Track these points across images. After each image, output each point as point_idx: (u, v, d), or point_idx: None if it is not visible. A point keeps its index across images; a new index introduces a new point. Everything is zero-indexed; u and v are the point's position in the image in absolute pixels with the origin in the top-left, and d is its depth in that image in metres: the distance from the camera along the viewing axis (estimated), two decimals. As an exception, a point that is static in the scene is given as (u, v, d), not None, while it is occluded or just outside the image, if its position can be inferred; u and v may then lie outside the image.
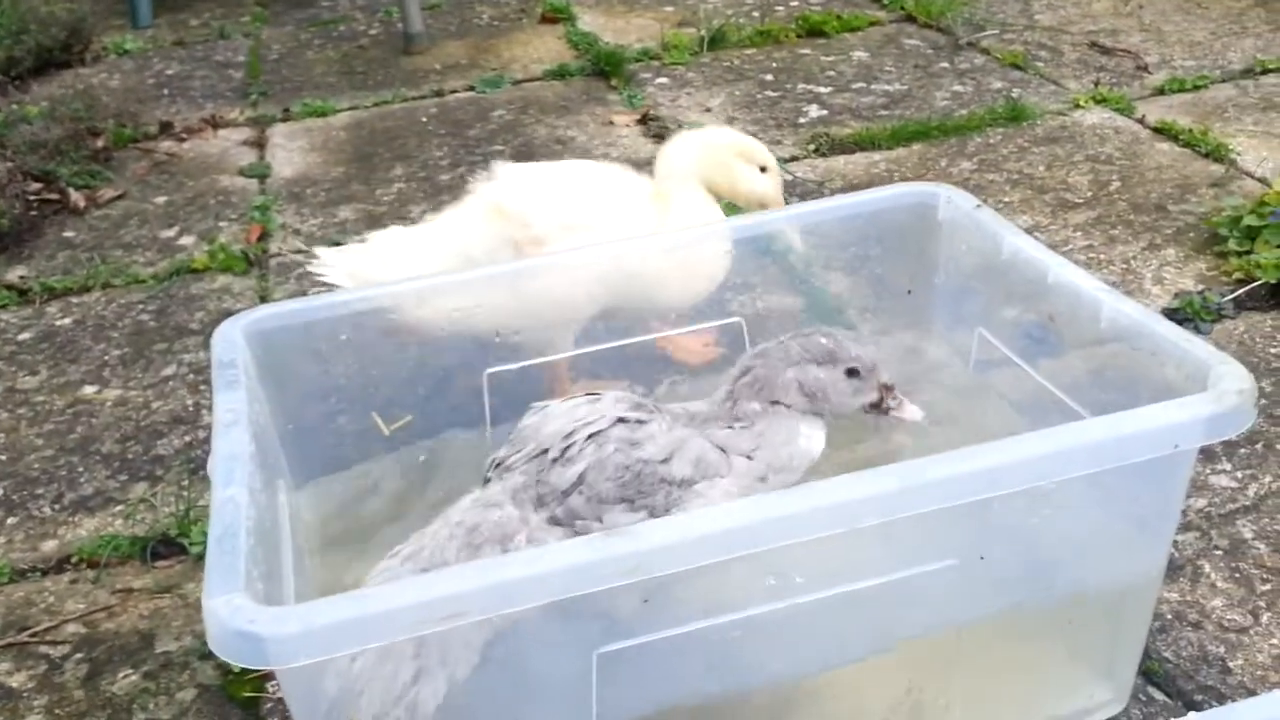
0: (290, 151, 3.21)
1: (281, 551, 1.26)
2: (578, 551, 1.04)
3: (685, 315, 1.71)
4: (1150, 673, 1.45)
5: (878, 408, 1.34)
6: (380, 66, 3.77)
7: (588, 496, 1.22)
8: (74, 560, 1.82)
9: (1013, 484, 1.12)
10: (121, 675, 1.60)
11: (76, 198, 3.00)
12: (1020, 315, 1.50)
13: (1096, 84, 3.09)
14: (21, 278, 2.66)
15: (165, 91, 3.70)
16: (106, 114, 3.40)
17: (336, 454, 1.61)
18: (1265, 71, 3.10)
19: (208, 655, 1.62)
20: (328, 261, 1.83)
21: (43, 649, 1.66)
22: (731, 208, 1.89)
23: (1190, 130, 2.77)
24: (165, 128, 3.41)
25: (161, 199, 3.01)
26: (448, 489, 1.60)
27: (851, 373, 1.31)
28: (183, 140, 3.35)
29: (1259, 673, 1.45)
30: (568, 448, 1.26)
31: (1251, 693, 1.42)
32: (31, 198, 2.98)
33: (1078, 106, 2.99)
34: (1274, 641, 1.48)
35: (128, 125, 3.38)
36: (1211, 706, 1.40)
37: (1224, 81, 3.08)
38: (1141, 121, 2.89)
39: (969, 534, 1.18)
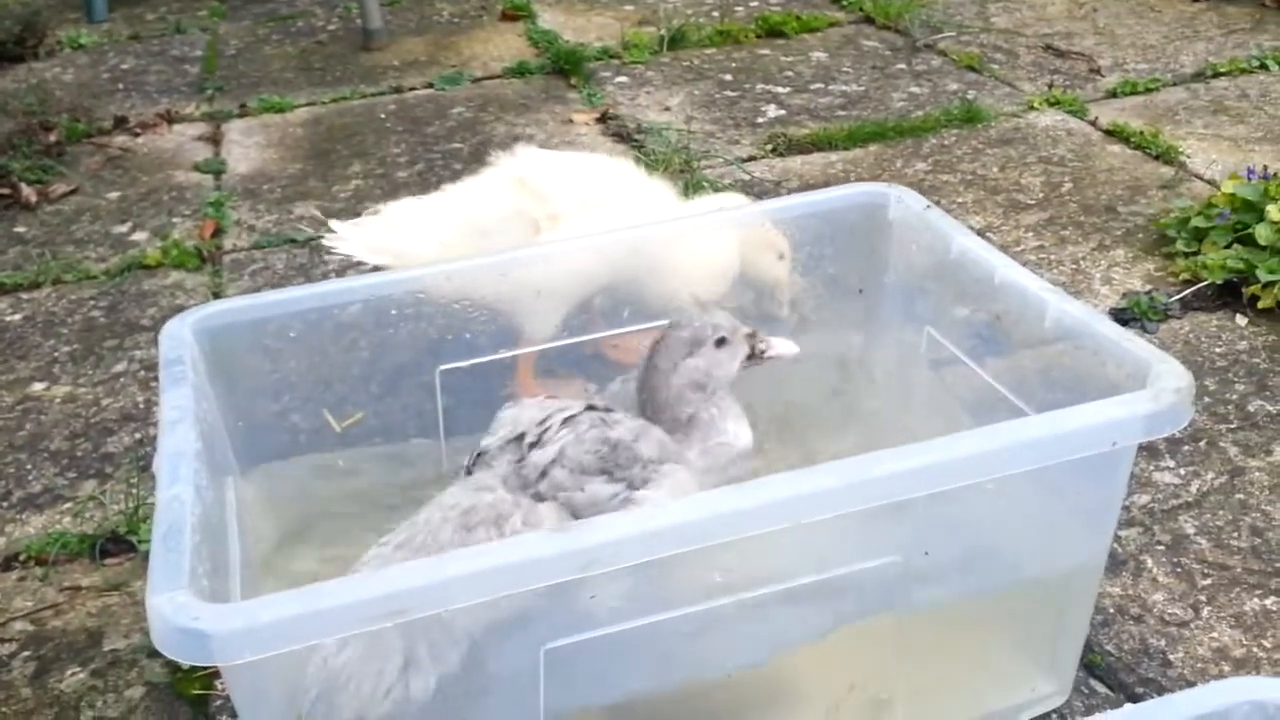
0: (246, 148, 3.18)
1: (228, 548, 1.26)
2: (526, 547, 1.05)
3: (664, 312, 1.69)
4: (1092, 665, 1.48)
5: (753, 357, 1.43)
6: (339, 63, 3.75)
7: (569, 469, 1.28)
8: (21, 558, 1.80)
9: (955, 480, 1.14)
10: (69, 673, 1.59)
11: (28, 193, 2.96)
12: (969, 315, 1.52)
13: (1050, 86, 3.13)
14: (-30, 273, 2.62)
15: (120, 86, 3.66)
16: (60, 108, 3.36)
17: (288, 450, 1.60)
18: (1216, 75, 3.15)
19: (156, 653, 1.57)
20: (343, 234, 1.84)
21: (-12, 648, 1.64)
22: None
23: (1141, 133, 2.82)
24: (120, 123, 3.37)
25: (114, 194, 2.98)
26: (403, 479, 1.62)
27: (720, 342, 1.41)
28: (137, 135, 3.32)
29: (1199, 665, 1.47)
30: (544, 432, 1.31)
31: (1191, 685, 1.44)
32: (-20, 192, 2.94)
33: (1032, 109, 3.03)
34: (1214, 635, 1.51)
35: (81, 120, 3.34)
36: (1151, 699, 1.42)
37: (1175, 85, 3.13)
38: (1094, 124, 2.93)
39: (913, 528, 1.20)
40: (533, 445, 1.28)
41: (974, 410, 1.53)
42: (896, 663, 1.30)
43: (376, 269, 1.79)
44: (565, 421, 1.32)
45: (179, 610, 0.99)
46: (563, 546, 1.05)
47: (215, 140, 3.25)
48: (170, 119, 3.39)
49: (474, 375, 1.62)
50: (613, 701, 1.20)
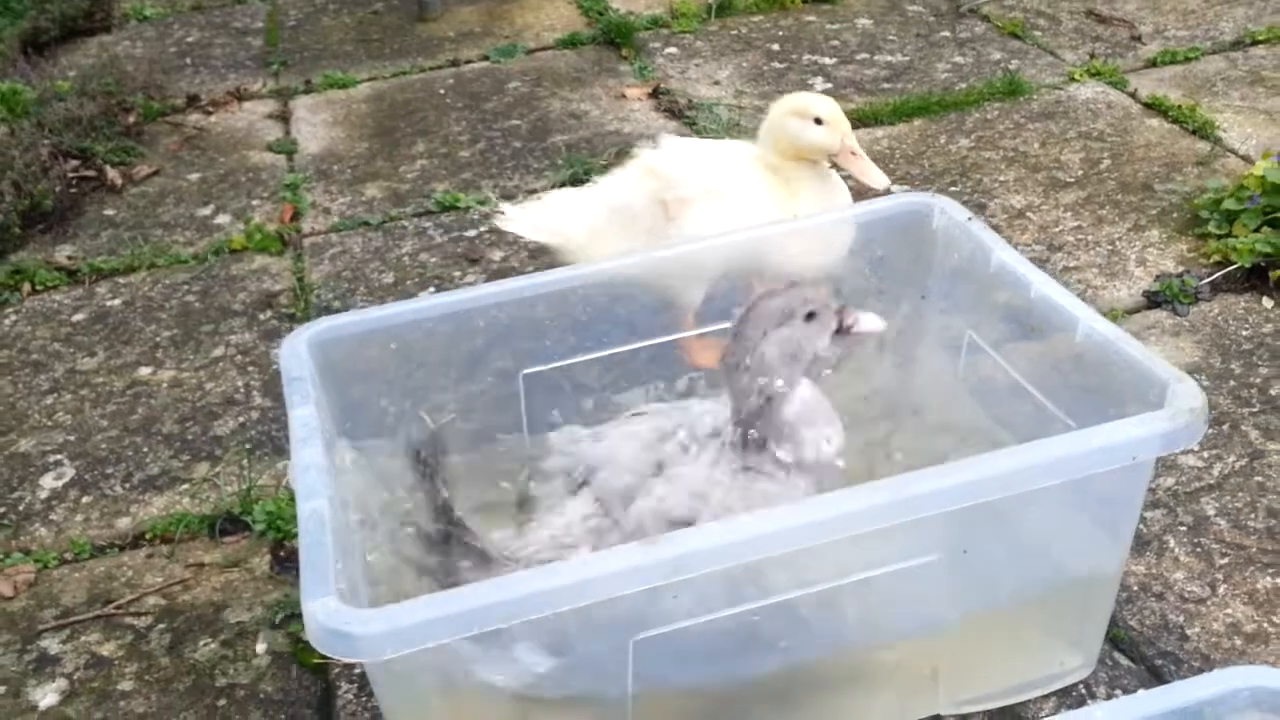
0: (315, 125, 3.34)
1: (353, 545, 1.45)
2: (621, 559, 1.22)
3: (703, 315, 1.86)
4: (1117, 640, 1.64)
5: (840, 331, 1.49)
6: (396, 35, 3.87)
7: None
8: (148, 537, 2.01)
9: (994, 494, 1.29)
10: (202, 644, 1.80)
11: (113, 175, 3.14)
12: (1007, 323, 1.66)
13: (1092, 56, 3.20)
14: (69, 258, 2.81)
15: (188, 61, 3.82)
16: (134, 86, 3.51)
17: (389, 444, 1.78)
18: (1255, 43, 3.21)
19: (278, 625, 1.81)
20: (511, 216, 2.12)
21: (128, 620, 1.85)
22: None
23: (1179, 106, 2.90)
24: (192, 100, 3.53)
25: (195, 175, 3.15)
26: (491, 470, 1.79)
27: (809, 316, 1.46)
28: (209, 114, 3.48)
29: (1213, 639, 1.63)
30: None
31: (1206, 658, 1.60)
32: (70, 175, 3.12)
33: (1072, 80, 3.11)
34: (1228, 611, 1.67)
35: (155, 98, 3.50)
36: (1171, 670, 1.59)
37: (1214, 53, 3.19)
38: (1134, 96, 3.01)
39: (957, 530, 1.36)
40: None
41: (1009, 410, 1.68)
42: (939, 642, 1.47)
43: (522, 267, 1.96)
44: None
45: (331, 615, 1.18)
46: (654, 556, 1.22)
47: (284, 118, 3.41)
48: (240, 96, 3.54)
49: (553, 377, 1.78)
50: (691, 682, 1.38)
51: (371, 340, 1.69)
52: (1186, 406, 1.33)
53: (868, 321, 1.51)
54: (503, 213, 2.13)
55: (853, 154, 1.96)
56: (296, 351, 1.60)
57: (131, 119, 3.36)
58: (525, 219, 2.12)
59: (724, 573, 1.26)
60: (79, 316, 2.60)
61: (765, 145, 2.00)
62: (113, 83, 3.45)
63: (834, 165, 2.00)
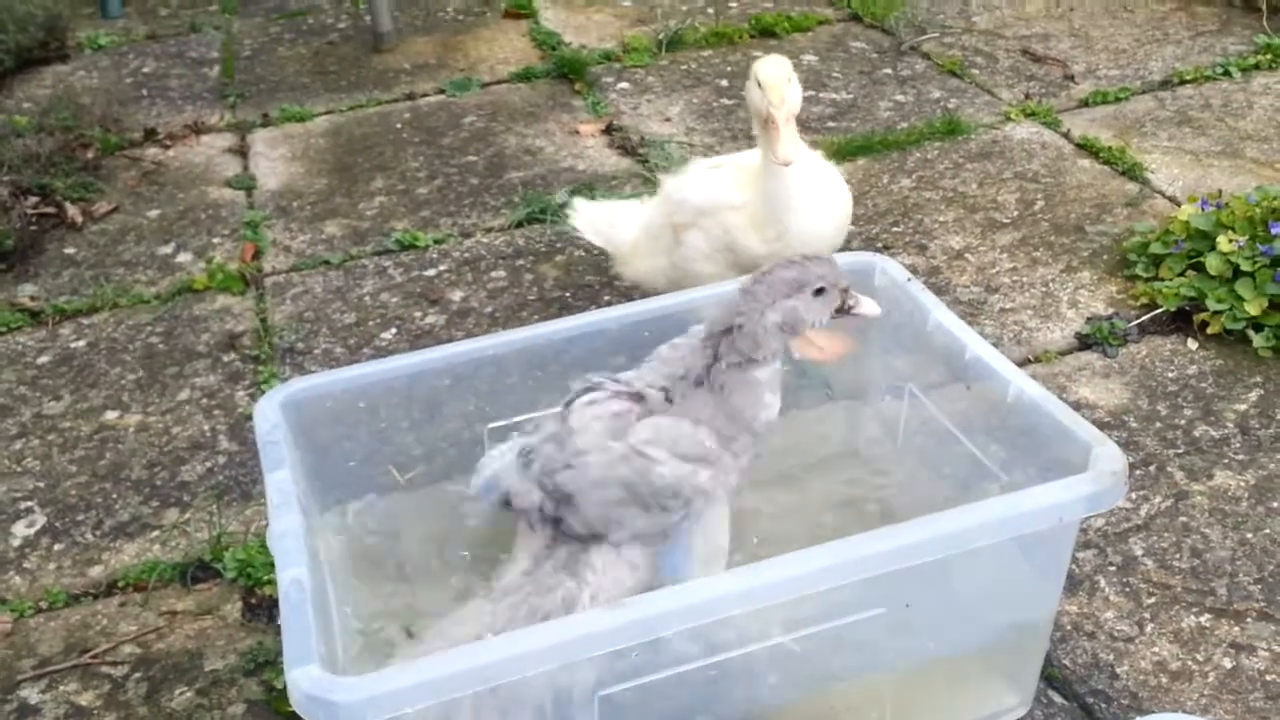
0: (273, 160, 3.38)
1: (330, 608, 1.52)
2: (586, 623, 1.31)
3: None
4: (1051, 678, 1.75)
5: (841, 310, 1.60)
6: (352, 66, 3.92)
7: (600, 511, 1.52)
8: (121, 584, 2.05)
9: (931, 555, 1.40)
10: (178, 692, 1.86)
11: (73, 212, 3.17)
12: (943, 380, 1.76)
13: (1027, 96, 3.34)
14: (32, 298, 2.84)
15: (144, 92, 3.84)
16: (92, 120, 3.54)
17: (360, 499, 1.85)
18: (1182, 82, 3.36)
19: (252, 672, 1.87)
20: (580, 210, 2.43)
21: (104, 669, 1.91)
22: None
23: (1109, 147, 3.03)
24: (150, 134, 3.56)
25: (154, 212, 3.18)
26: (459, 527, 1.87)
27: (818, 291, 1.57)
28: (167, 147, 3.51)
29: (1141, 677, 1.75)
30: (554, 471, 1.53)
31: (1134, 695, 1.72)
32: (30, 212, 3.14)
33: (1009, 119, 3.24)
34: (1155, 650, 1.79)
35: (113, 132, 3.52)
36: (1102, 708, 1.70)
37: (1144, 93, 3.34)
38: (1067, 136, 3.15)
39: (898, 586, 1.46)
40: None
41: (945, 457, 1.79)
42: (884, 684, 1.57)
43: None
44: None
45: (314, 684, 1.25)
46: (615, 621, 1.31)
47: (243, 152, 3.45)
48: (198, 129, 3.58)
49: (515, 430, 1.86)
50: (653, 731, 1.47)
51: (342, 399, 1.76)
52: (1109, 470, 1.44)
53: (868, 306, 1.63)
54: (574, 210, 2.41)
55: (771, 122, 2.01)
56: (269, 414, 1.67)
57: (90, 154, 3.39)
58: (587, 218, 2.40)
59: (682, 632, 1.35)
60: (43, 359, 2.64)
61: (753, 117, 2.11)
62: (70, 117, 3.47)
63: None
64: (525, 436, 1.66)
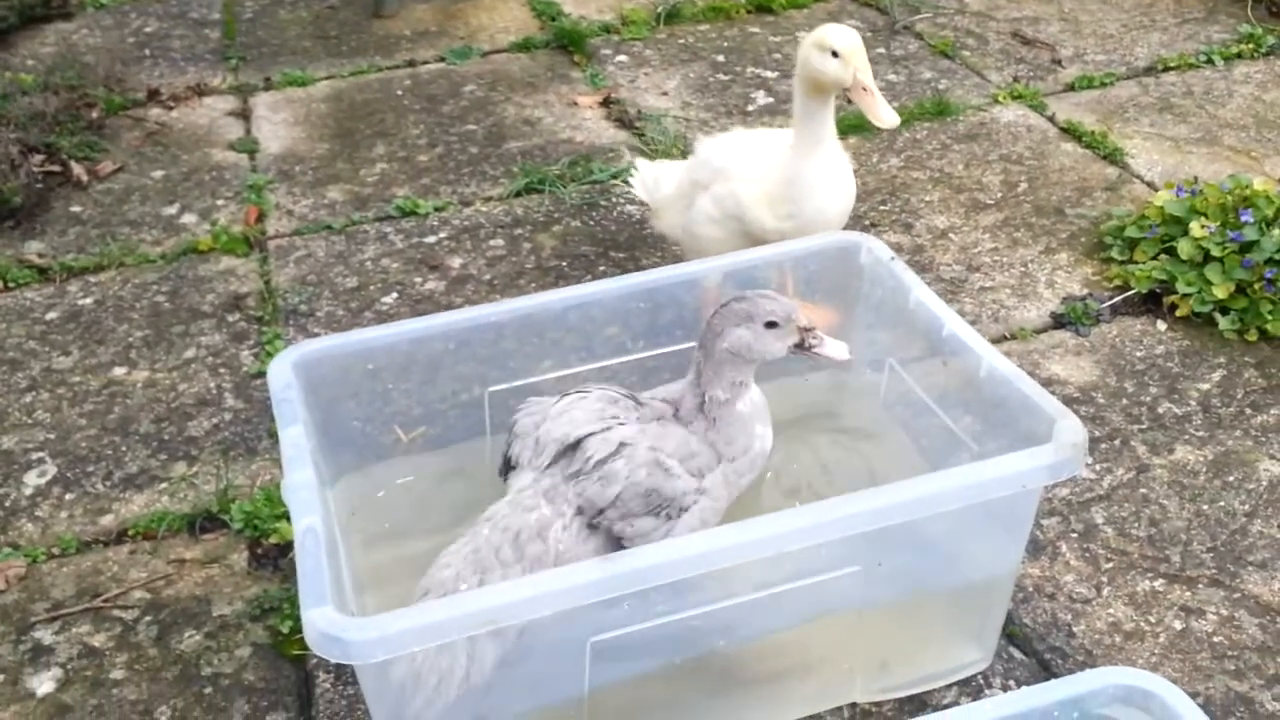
0: (275, 125, 3.45)
1: (339, 557, 1.61)
2: (582, 573, 1.41)
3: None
4: (1012, 636, 1.86)
5: (801, 348, 1.70)
6: (353, 31, 3.97)
7: (622, 512, 1.60)
8: (131, 533, 2.15)
9: (904, 516, 1.50)
10: (187, 635, 1.95)
11: (79, 170, 3.23)
12: (922, 355, 1.86)
13: (1015, 79, 3.42)
14: (40, 255, 2.91)
15: (147, 52, 3.89)
16: (96, 79, 3.59)
17: (368, 460, 1.94)
18: (1166, 69, 3.45)
19: (258, 618, 1.97)
20: (639, 170, 2.56)
21: (115, 612, 2.00)
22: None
23: (1092, 132, 3.12)
24: (153, 95, 3.61)
25: (158, 173, 3.25)
26: (459, 480, 1.96)
27: (770, 324, 1.68)
28: (170, 109, 3.57)
29: (1096, 636, 1.86)
30: (600, 463, 1.61)
31: (1090, 653, 1.83)
32: (36, 170, 3.20)
33: (996, 102, 3.32)
34: (1110, 611, 1.90)
35: (116, 92, 3.58)
36: (1059, 664, 1.81)
37: (1129, 78, 3.42)
38: (1052, 120, 3.23)
39: (873, 545, 1.56)
40: (590, 473, 1.61)
41: (922, 427, 1.89)
42: (854, 641, 1.68)
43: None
44: (619, 451, 1.62)
45: (329, 623, 1.35)
46: (608, 571, 1.41)
47: (245, 116, 3.51)
48: (201, 91, 3.64)
49: (515, 395, 1.96)
50: (641, 674, 1.57)
51: (350, 361, 1.85)
52: (1069, 441, 1.54)
53: (833, 349, 1.71)
54: (637, 169, 2.56)
55: (864, 90, 2.05)
56: (283, 373, 1.76)
57: (94, 114, 3.44)
58: (642, 175, 2.53)
59: (671, 584, 1.45)
60: (52, 315, 2.72)
61: (796, 82, 2.13)
62: (75, 76, 3.52)
63: (848, 100, 2.11)
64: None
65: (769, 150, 2.22)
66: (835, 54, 2.04)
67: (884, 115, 2.05)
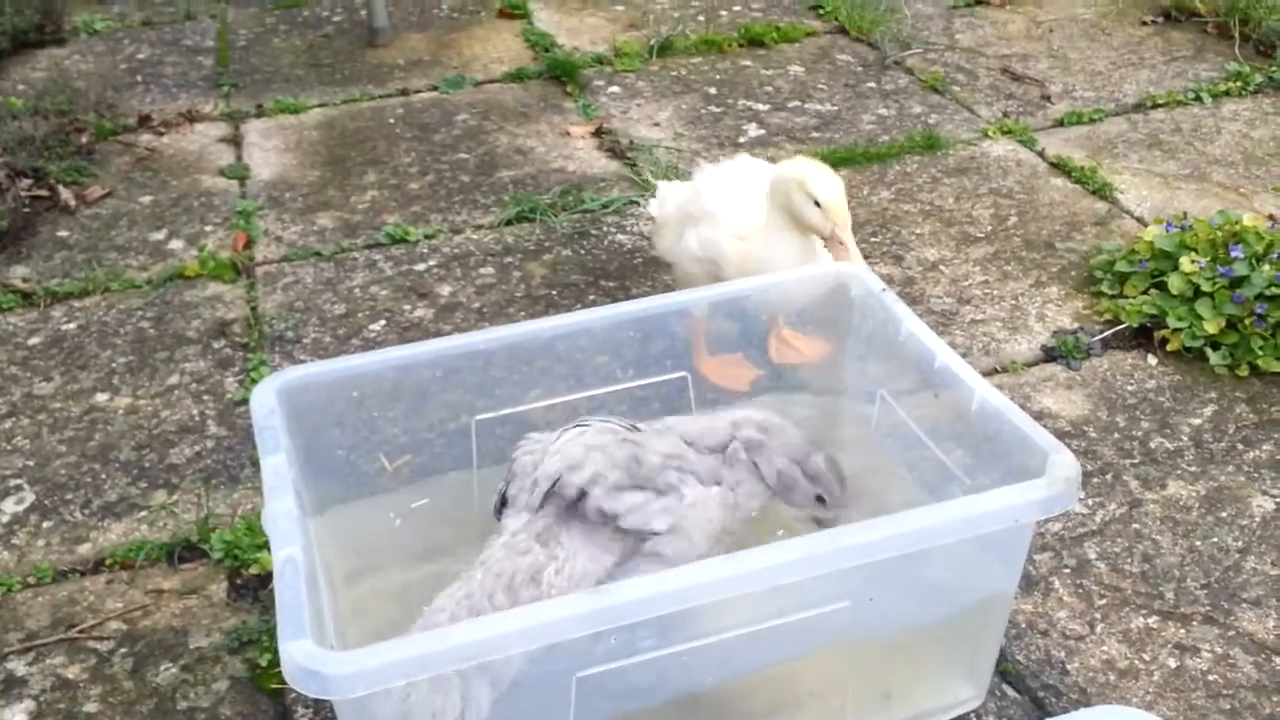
0: (266, 151, 3.44)
1: (320, 589, 1.58)
2: (567, 607, 1.38)
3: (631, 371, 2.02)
4: (1005, 673, 1.83)
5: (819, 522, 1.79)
6: (346, 60, 3.98)
7: (604, 488, 1.59)
8: (108, 563, 2.11)
9: (895, 551, 1.47)
10: (163, 668, 1.91)
11: (67, 195, 3.21)
12: (914, 387, 1.85)
13: (1005, 114, 3.43)
14: (25, 280, 2.88)
15: (139, 78, 3.88)
16: (87, 105, 3.58)
17: (349, 489, 1.91)
18: (1155, 106, 3.46)
19: (236, 650, 1.93)
20: (661, 191, 2.49)
21: (90, 644, 1.96)
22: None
23: (1082, 168, 3.13)
24: (144, 120, 3.60)
25: (147, 198, 3.23)
26: (444, 511, 1.94)
27: (819, 499, 1.76)
28: (161, 134, 3.56)
29: (1090, 674, 1.83)
30: (575, 467, 1.62)
31: (1084, 691, 1.80)
32: (24, 194, 3.18)
33: (986, 136, 3.33)
34: (1104, 648, 1.87)
35: (107, 117, 3.57)
36: (1052, 702, 1.79)
37: (1117, 114, 3.44)
38: (1041, 155, 3.24)
39: (865, 580, 1.54)
40: (565, 476, 1.60)
41: (914, 458, 1.87)
42: (847, 677, 1.65)
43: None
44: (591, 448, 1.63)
45: (307, 657, 1.32)
46: (594, 605, 1.38)
47: (236, 142, 3.50)
48: (192, 118, 3.63)
49: (502, 424, 1.93)
50: (629, 710, 1.54)
51: (336, 388, 1.82)
52: (1063, 475, 1.52)
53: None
54: (657, 188, 2.53)
55: (841, 244, 2.04)
56: (266, 400, 1.73)
57: (84, 139, 3.43)
58: (658, 195, 2.49)
59: (657, 618, 1.42)
60: (35, 340, 2.69)
61: (767, 196, 2.11)
62: (65, 101, 3.51)
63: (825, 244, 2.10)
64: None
65: (760, 197, 2.18)
66: (818, 203, 2.02)
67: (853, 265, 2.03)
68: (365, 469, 1.90)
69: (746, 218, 2.18)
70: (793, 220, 2.08)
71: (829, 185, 2.03)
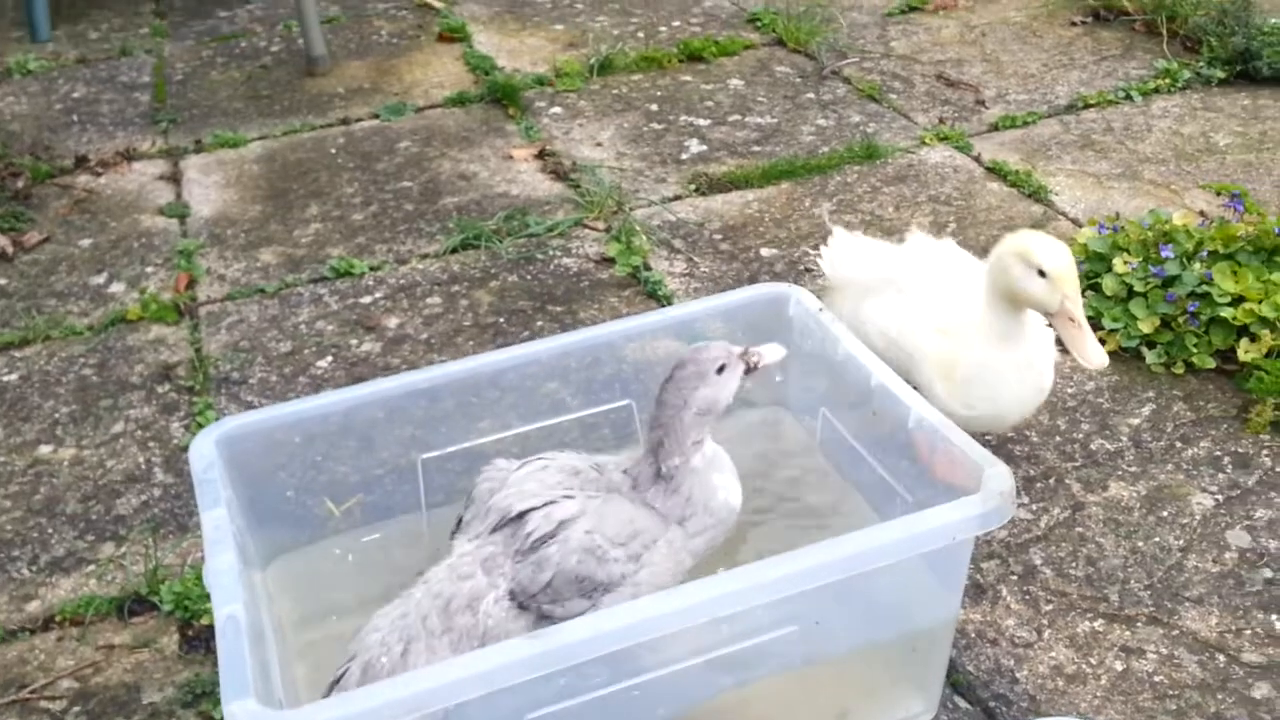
0: (206, 187, 3.41)
1: (267, 643, 1.58)
2: (511, 652, 1.38)
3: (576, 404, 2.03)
4: (956, 684, 1.86)
5: (750, 371, 1.74)
6: (285, 90, 3.96)
7: (553, 597, 1.60)
8: (58, 619, 2.09)
9: (836, 575, 1.49)
10: (117, 725, 1.90)
11: (4, 242, 3.17)
12: (852, 405, 1.87)
13: (941, 120, 3.47)
14: (-37, 331, 2.85)
15: (75, 118, 3.84)
16: (22, 148, 3.55)
17: (299, 537, 1.91)
18: (1086, 106, 3.52)
19: (189, 704, 1.92)
20: (837, 236, 2.32)
21: (43, 704, 1.94)
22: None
23: (1016, 171, 3.17)
24: (81, 161, 3.57)
25: (86, 241, 3.20)
26: (392, 551, 1.93)
27: (720, 369, 1.70)
28: (99, 175, 3.52)
29: (1039, 681, 1.86)
30: (538, 544, 1.61)
31: (1033, 699, 1.83)
32: (-41, 243, 3.15)
33: (924, 143, 3.37)
34: (1052, 655, 1.90)
35: (43, 159, 3.53)
36: (1003, 711, 1.81)
37: (1050, 117, 3.49)
38: (977, 160, 3.28)
39: (809, 603, 1.55)
40: (526, 553, 1.60)
41: (857, 473, 1.89)
42: (797, 694, 1.67)
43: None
44: (554, 536, 1.61)
45: (250, 716, 1.31)
46: (538, 649, 1.39)
47: (175, 179, 3.47)
48: (130, 156, 3.60)
49: (450, 460, 1.93)
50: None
51: (277, 434, 1.82)
52: (997, 490, 1.55)
53: (771, 353, 1.75)
54: (833, 235, 2.34)
55: (1070, 320, 1.81)
56: (204, 452, 1.72)
57: (20, 183, 3.39)
58: (833, 249, 2.29)
59: (604, 655, 1.43)
60: (-24, 393, 2.65)
61: (987, 283, 1.91)
62: (0, 145, 3.47)
63: (1049, 324, 1.91)
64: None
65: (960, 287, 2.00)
66: (1042, 273, 1.80)
67: (1092, 355, 1.81)
68: (314, 512, 1.89)
69: (950, 307, 1.97)
70: (1014, 309, 1.87)
71: (1055, 253, 1.81)
